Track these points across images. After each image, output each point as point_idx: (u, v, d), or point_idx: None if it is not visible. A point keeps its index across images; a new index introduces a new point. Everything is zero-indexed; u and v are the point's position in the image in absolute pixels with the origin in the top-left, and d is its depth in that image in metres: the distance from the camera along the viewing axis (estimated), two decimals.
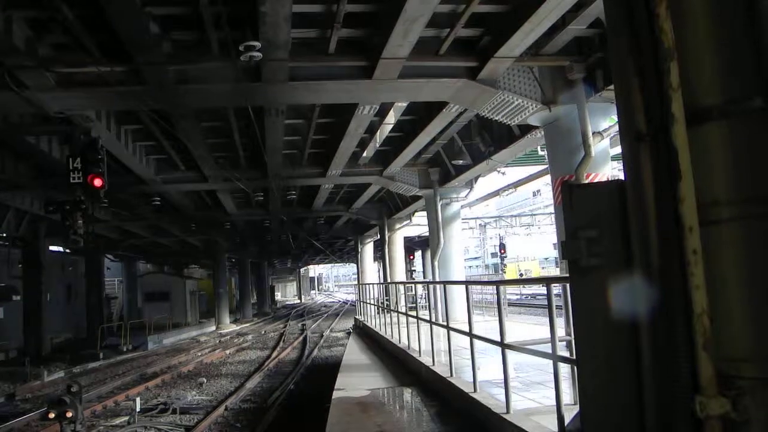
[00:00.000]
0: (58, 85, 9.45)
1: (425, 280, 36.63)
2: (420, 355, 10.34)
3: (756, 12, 2.02)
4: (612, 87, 8.52)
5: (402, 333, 12.38)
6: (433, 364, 9.28)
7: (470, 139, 16.46)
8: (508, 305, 26.40)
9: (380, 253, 31.93)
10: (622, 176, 2.47)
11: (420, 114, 14.29)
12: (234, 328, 39.60)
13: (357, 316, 24.88)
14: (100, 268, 34.14)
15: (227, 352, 24.73)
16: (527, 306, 33.16)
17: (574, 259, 2.62)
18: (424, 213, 22.64)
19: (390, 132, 16.28)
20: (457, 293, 13.80)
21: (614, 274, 2.41)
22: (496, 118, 11.43)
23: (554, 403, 5.02)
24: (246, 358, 22.65)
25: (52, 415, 9.21)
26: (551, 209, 32.02)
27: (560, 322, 6.27)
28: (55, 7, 7.85)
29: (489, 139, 15.54)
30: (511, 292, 42.52)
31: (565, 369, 5.27)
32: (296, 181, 20.57)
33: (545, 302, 5.70)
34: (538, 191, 71.04)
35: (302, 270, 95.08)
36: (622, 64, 2.33)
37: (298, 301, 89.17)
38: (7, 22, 8.08)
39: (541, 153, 17.04)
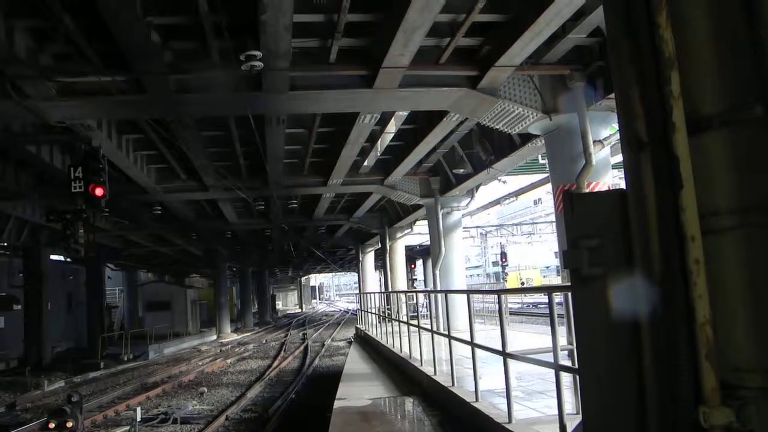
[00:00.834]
0: (60, 94, 9.47)
1: (426, 289, 36.58)
2: (421, 365, 10.31)
3: (756, 20, 2.02)
4: (612, 95, 8.53)
5: (403, 342, 12.35)
6: (435, 374, 9.25)
7: (471, 148, 16.48)
8: (510, 314, 26.35)
9: (381, 262, 31.91)
10: (623, 185, 2.47)
11: (421, 123, 14.31)
12: (235, 337, 39.55)
13: (358, 325, 24.85)
14: (101, 278, 34.11)
15: (228, 361, 24.69)
16: (529, 315, 33.12)
17: (575, 268, 2.60)
18: (425, 222, 22.64)
19: (391, 141, 16.30)
20: (459, 302, 13.75)
21: (616, 284, 2.40)
22: (497, 127, 11.44)
23: (556, 412, 5.00)
24: (247, 368, 22.61)
25: (52, 425, 9.21)
26: (552, 218, 31.99)
27: (562, 331, 6.25)
28: (57, 16, 7.87)
29: (490, 148, 15.54)
30: (512, 301, 42.49)
31: (567, 378, 5.25)
32: (297, 190, 20.59)
33: (547, 311, 5.68)
34: (539, 200, 71.12)
35: (303, 279, 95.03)
36: (623, 72, 2.33)
37: (299, 310, 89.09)
38: (9, 31, 8.12)
39: (541, 161, 17.04)
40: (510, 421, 5.97)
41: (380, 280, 42.62)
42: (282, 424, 12.69)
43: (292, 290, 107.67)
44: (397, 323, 13.90)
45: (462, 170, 17.54)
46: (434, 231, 20.07)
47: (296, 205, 24.09)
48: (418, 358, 10.64)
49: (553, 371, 5.13)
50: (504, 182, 23.12)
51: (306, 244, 37.21)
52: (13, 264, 26.61)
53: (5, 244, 24.73)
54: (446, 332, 8.86)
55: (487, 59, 9.64)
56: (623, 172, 2.41)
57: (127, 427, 12.14)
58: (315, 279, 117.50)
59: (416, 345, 10.86)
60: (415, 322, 11.73)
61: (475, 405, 7.00)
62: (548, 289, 5.97)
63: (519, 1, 8.41)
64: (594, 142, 10.04)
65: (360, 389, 10.47)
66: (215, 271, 42.97)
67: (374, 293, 25.57)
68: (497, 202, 30.70)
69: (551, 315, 5.33)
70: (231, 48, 8.64)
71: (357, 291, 45.54)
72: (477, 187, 19.91)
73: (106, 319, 34.94)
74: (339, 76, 9.89)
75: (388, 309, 18.56)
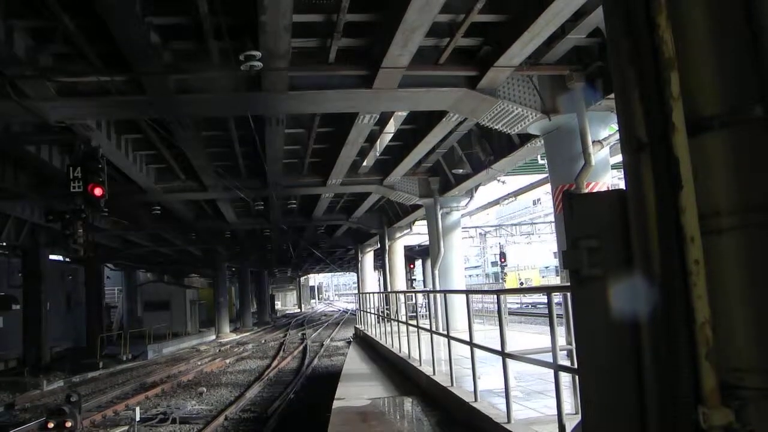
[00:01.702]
0: (59, 94, 9.48)
1: (425, 289, 36.59)
2: (420, 365, 10.32)
3: (756, 20, 2.02)
4: (612, 96, 8.55)
5: (402, 342, 12.35)
6: (434, 374, 9.26)
7: (470, 149, 16.49)
8: (509, 314, 26.35)
9: (380, 262, 31.91)
10: (622, 185, 2.47)
11: (420, 123, 14.31)
12: (234, 337, 39.54)
13: (357, 325, 24.85)
14: (100, 277, 34.10)
15: (227, 361, 24.68)
16: (528, 315, 33.12)
17: (574, 269, 2.61)
18: (425, 222, 22.65)
19: (390, 141, 16.30)
20: (458, 302, 13.76)
21: (615, 284, 2.41)
22: (496, 128, 11.44)
23: (555, 412, 5.00)
24: (246, 368, 22.60)
25: (51, 425, 9.20)
26: (551, 218, 32.04)
27: (561, 332, 6.26)
28: (56, 17, 7.88)
29: (489, 148, 15.55)
30: (511, 301, 42.50)
31: (566, 378, 5.26)
32: (296, 191, 20.59)
33: (546, 311, 5.69)
34: (539, 200, 71.03)
35: (302, 279, 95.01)
36: (622, 73, 2.33)
37: (298, 310, 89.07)
38: (9, 31, 8.12)
39: (541, 162, 17.06)
40: (509, 421, 5.97)
41: (379, 280, 42.63)
42: (281, 424, 12.68)
43: (291, 290, 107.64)
44: (396, 323, 13.91)
45: (461, 170, 17.55)
46: (433, 231, 20.08)
47: (295, 205, 24.08)
48: (417, 358, 10.65)
49: (552, 371, 5.13)
50: (503, 182, 23.15)
51: (305, 244, 37.19)
52: (12, 264, 26.60)
53: (4, 244, 24.70)
54: (445, 332, 8.86)
55: (487, 59, 9.64)
56: (623, 172, 2.41)
57: (126, 427, 12.14)
58: (314, 279, 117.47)
59: (415, 345, 10.87)
60: (414, 322, 11.72)
61: (474, 405, 7.00)
62: (547, 289, 5.98)
63: (518, 1, 8.41)
64: (593, 142, 10.04)
65: (359, 389, 10.47)
66: (214, 271, 42.96)
67: (373, 293, 25.57)
68: (496, 202, 30.73)
69: (550, 315, 5.34)
70: (230, 48, 8.64)
71: (356, 291, 45.53)
72: (476, 188, 19.93)
73: (105, 318, 34.95)
74: (338, 77, 9.90)
75: (387, 309, 18.57)
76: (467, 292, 8.83)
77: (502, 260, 46.53)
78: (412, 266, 45.61)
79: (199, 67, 9.35)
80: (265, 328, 48.80)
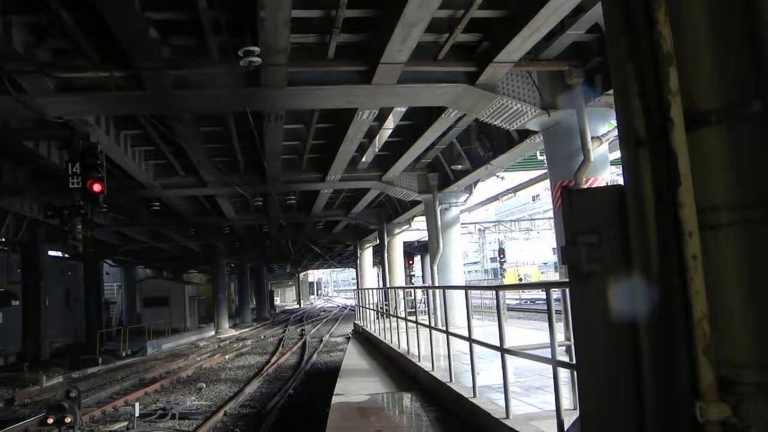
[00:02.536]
0: (58, 90, 9.46)
1: (424, 284, 36.61)
2: (419, 360, 10.33)
3: (755, 16, 2.02)
4: (611, 92, 8.51)
5: (401, 338, 12.36)
6: (433, 369, 9.27)
7: (469, 144, 16.48)
8: (508, 310, 26.36)
9: (379, 257, 31.93)
10: (621, 181, 2.47)
11: (419, 119, 14.31)
12: (233, 333, 39.56)
13: (356, 321, 24.85)
14: (99, 273, 34.12)
15: (226, 357, 24.70)
16: (527, 311, 33.12)
17: (573, 264, 2.61)
18: (424, 218, 22.64)
19: (389, 137, 16.29)
20: (457, 298, 13.80)
21: (614, 279, 2.41)
22: (495, 123, 11.44)
23: (554, 408, 5.01)
24: (245, 363, 22.62)
25: (50, 421, 9.21)
26: (550, 214, 32.05)
27: (559, 327, 6.26)
28: (55, 12, 7.86)
29: (488, 144, 15.55)
30: (510, 297, 42.50)
31: (564, 374, 5.26)
32: (295, 186, 20.59)
33: (545, 307, 5.69)
34: (537, 196, 71.23)
35: (301, 275, 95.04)
36: (621, 68, 2.33)
37: (297, 306, 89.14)
38: (7, 26, 8.10)
39: (540, 158, 17.05)
40: (507, 417, 5.98)
41: (378, 276, 42.65)
42: (280, 419, 12.70)
43: (290, 286, 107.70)
44: (395, 319, 13.92)
45: (460, 166, 17.54)
46: (432, 227, 20.08)
47: (294, 200, 24.08)
48: (416, 353, 10.65)
49: (550, 367, 5.14)
50: (502, 178, 23.15)
51: (304, 239, 37.20)
52: (11, 260, 26.60)
53: (3, 239, 24.70)
54: (444, 328, 8.87)
55: (486, 55, 9.64)
56: (622, 168, 2.42)
57: (126, 423, 12.15)
58: (313, 275, 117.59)
59: (414, 341, 10.87)
60: (413, 318, 11.73)
61: (473, 400, 7.01)
62: (546, 285, 5.99)
63: None
64: (592, 138, 10.04)
65: (358, 385, 10.48)
66: (213, 267, 42.94)
67: (372, 289, 25.57)
68: (495, 198, 30.72)
69: (549, 311, 5.34)
70: (229, 44, 8.63)
71: (355, 287, 45.56)
72: (475, 183, 19.91)
73: (104, 314, 34.97)
74: (337, 72, 9.89)
75: (386, 305, 18.58)
76: (466, 288, 8.84)
77: (501, 256, 46.59)
78: (411, 262, 45.68)
79: (198, 63, 9.35)
80: (264, 324, 48.84)
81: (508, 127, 11.67)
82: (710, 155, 2.10)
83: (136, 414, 12.24)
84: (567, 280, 3.27)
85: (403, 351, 11.77)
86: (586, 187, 9.68)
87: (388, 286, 26.26)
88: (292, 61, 9.26)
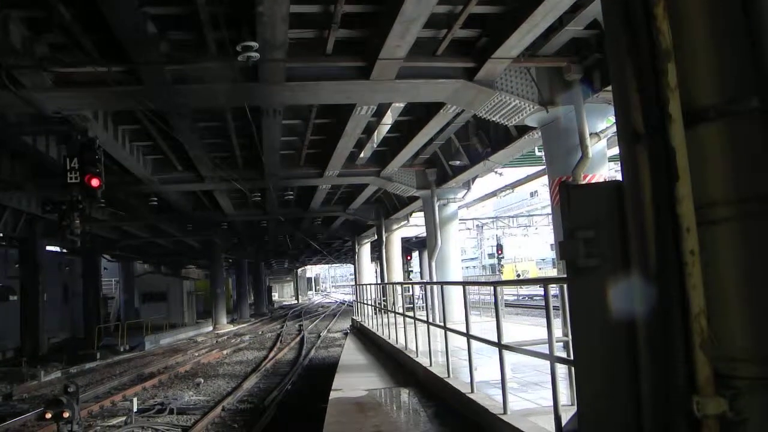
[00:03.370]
0: (56, 84, 9.44)
1: (422, 280, 36.64)
2: (417, 356, 10.34)
3: (752, 13, 2.03)
4: (609, 88, 8.54)
5: (399, 334, 12.37)
6: (431, 365, 9.28)
7: (468, 140, 16.47)
8: (506, 306, 26.40)
9: (377, 253, 31.93)
10: (619, 177, 2.48)
11: (417, 115, 14.29)
12: (231, 328, 39.56)
13: (354, 317, 24.87)
14: (97, 268, 34.10)
15: (224, 352, 24.71)
16: (524, 307, 33.17)
17: (571, 260, 2.62)
18: (422, 214, 22.63)
19: (387, 132, 16.27)
20: (455, 294, 13.81)
21: (612, 275, 2.42)
22: (494, 119, 11.43)
23: (551, 403, 5.02)
24: (243, 359, 22.64)
25: (48, 416, 9.20)
26: (548, 210, 32.05)
27: (557, 323, 6.27)
28: (52, 6, 7.84)
29: (486, 140, 15.54)
30: (508, 293, 42.52)
31: (562, 369, 5.28)
32: (293, 182, 20.57)
33: (542, 303, 5.70)
34: (536, 192, 71.20)
35: (299, 270, 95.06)
36: (620, 64, 2.34)
37: (296, 301, 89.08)
38: (4, 21, 8.07)
39: (538, 154, 17.02)
40: (505, 412, 5.99)
41: (376, 272, 42.65)
42: (278, 414, 12.72)
43: (288, 282, 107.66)
44: (393, 315, 13.93)
45: (458, 162, 17.53)
46: (430, 223, 20.07)
47: (292, 196, 24.06)
48: (414, 349, 10.67)
49: (548, 362, 5.15)
50: (500, 174, 23.10)
51: (302, 235, 37.18)
52: (9, 255, 26.58)
53: (1, 234, 24.68)
54: (442, 324, 8.88)
55: (484, 51, 9.63)
56: (620, 163, 2.42)
57: (124, 418, 12.16)
58: (311, 270, 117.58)
59: (412, 336, 10.89)
60: (411, 313, 11.74)
61: (471, 396, 7.02)
62: (544, 281, 5.99)
63: None
64: (591, 134, 10.04)
65: (356, 380, 10.49)
66: (211, 262, 42.91)
67: (370, 285, 25.59)
68: (494, 194, 30.73)
69: (547, 307, 5.34)
70: (227, 39, 8.61)
71: (353, 282, 45.60)
72: (473, 179, 19.90)
73: (102, 310, 34.97)
74: (336, 68, 9.87)
75: (384, 300, 18.60)
76: (464, 284, 8.85)
77: (499, 252, 46.66)
78: (409, 258, 45.65)
79: (196, 58, 9.32)
80: (263, 320, 48.85)
81: (506, 123, 11.66)
82: (708, 151, 2.10)
83: (134, 409, 12.25)
84: (565, 275, 3.28)
85: (401, 347, 11.78)
86: (584, 183, 9.69)
87: (386, 281, 26.27)
88: (291, 56, 9.24)
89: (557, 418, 4.86)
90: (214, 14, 8.28)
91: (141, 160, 16.92)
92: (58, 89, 9.53)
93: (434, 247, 19.75)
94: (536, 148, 15.59)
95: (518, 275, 63.18)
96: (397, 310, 13.79)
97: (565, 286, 5.00)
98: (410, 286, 24.28)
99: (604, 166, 10.89)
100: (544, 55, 10.05)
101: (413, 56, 9.40)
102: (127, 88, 9.79)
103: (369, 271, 39.85)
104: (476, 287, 23.87)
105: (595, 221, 2.50)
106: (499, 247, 46.61)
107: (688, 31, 2.15)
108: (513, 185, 27.49)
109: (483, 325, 12.14)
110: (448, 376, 8.23)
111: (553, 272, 49.34)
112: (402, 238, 31.87)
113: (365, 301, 21.61)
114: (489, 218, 57.64)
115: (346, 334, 24.52)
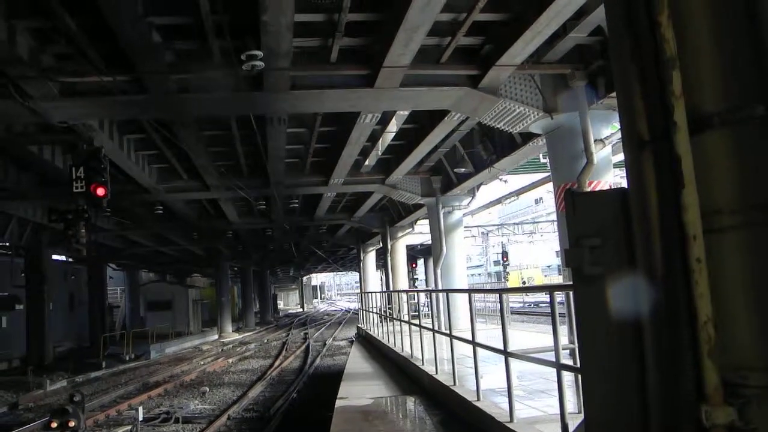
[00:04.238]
0: (61, 94, 9.49)
1: (428, 288, 36.57)
2: (423, 364, 10.31)
3: (758, 20, 2.02)
4: (614, 94, 8.54)
5: (405, 341, 12.35)
6: (436, 373, 9.25)
7: (472, 147, 16.49)
8: (511, 313, 26.33)
9: (383, 261, 31.91)
10: (624, 184, 2.47)
11: (422, 122, 14.31)
12: (236, 336, 39.56)
13: (359, 325, 24.85)
14: (103, 277, 34.19)
15: (230, 360, 24.71)
16: (530, 314, 33.09)
17: (577, 267, 2.61)
18: (427, 221, 22.63)
19: (392, 140, 16.31)
20: (460, 301, 13.76)
21: (618, 282, 2.41)
22: (498, 126, 11.44)
23: (558, 411, 5.00)
24: (248, 367, 22.63)
25: (54, 425, 9.22)
26: (553, 217, 31.98)
27: (563, 330, 6.25)
28: (58, 17, 7.88)
29: (491, 147, 15.55)
30: (514, 300, 42.46)
31: (568, 377, 5.25)
32: (298, 190, 20.61)
33: (548, 310, 5.68)
34: (540, 199, 71.13)
35: (304, 278, 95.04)
36: (624, 71, 2.33)
37: (301, 309, 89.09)
38: (11, 32, 8.12)
39: (543, 161, 17.04)
40: (511, 420, 5.96)
41: (381, 280, 42.61)
42: (283, 423, 12.70)
43: (294, 290, 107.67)
44: (398, 322, 13.91)
45: (463, 169, 17.54)
46: (435, 230, 20.07)
47: (297, 204, 24.10)
48: (420, 357, 10.64)
49: (554, 370, 5.13)
50: (505, 181, 23.06)
51: (307, 243, 37.24)
52: (15, 264, 26.64)
53: (7, 244, 24.78)
54: (447, 331, 8.86)
55: (488, 58, 9.64)
56: (625, 170, 2.41)
57: (129, 427, 12.16)
58: (316, 278, 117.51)
59: (417, 344, 10.86)
60: (416, 321, 11.71)
61: (477, 404, 7.00)
62: (550, 288, 5.97)
63: (520, 0, 8.41)
64: (595, 141, 10.03)
65: (361, 388, 10.47)
66: (217, 271, 42.98)
67: (375, 293, 25.56)
68: (498, 201, 30.67)
69: (553, 314, 5.32)
70: (232, 48, 8.64)
71: (358, 290, 45.57)
72: (478, 187, 19.90)
73: (107, 318, 35.02)
74: (340, 76, 9.90)
75: (389, 308, 18.57)
76: (470, 291, 8.83)
77: (505, 259, 46.55)
78: (414, 265, 45.64)
79: (201, 67, 9.36)
80: (268, 328, 48.84)
81: (510, 130, 11.66)
82: (714, 158, 2.09)
83: (140, 418, 12.24)
84: (571, 283, 3.27)
85: (407, 354, 11.76)
86: (589, 189, 9.67)
87: (391, 289, 26.24)
88: (295, 65, 9.28)
89: (564, 427, 4.84)
90: (219, 23, 8.31)
91: (146, 169, 16.98)
92: (64, 99, 9.58)
93: (439, 255, 19.74)
94: (541, 154, 15.62)
95: (524, 282, 63.06)
96: (402, 318, 13.76)
97: (571, 293, 4.98)
98: (415, 293, 24.25)
99: (609, 173, 10.88)
100: (548, 61, 10.06)
101: (417, 64, 9.42)
102: (133, 98, 9.85)
103: (374, 278, 39.81)
104: (482, 295, 23.81)
105: (600, 229, 2.49)
106: (505, 254, 46.51)
107: (693, 38, 2.14)
108: (518, 192, 27.44)
109: (489, 333, 12.10)
110: (454, 383, 8.20)
111: (558, 279, 49.26)
112: (407, 246, 31.86)
113: (370, 309, 21.59)
114: (494, 225, 57.54)
115: (351, 342, 24.50)
